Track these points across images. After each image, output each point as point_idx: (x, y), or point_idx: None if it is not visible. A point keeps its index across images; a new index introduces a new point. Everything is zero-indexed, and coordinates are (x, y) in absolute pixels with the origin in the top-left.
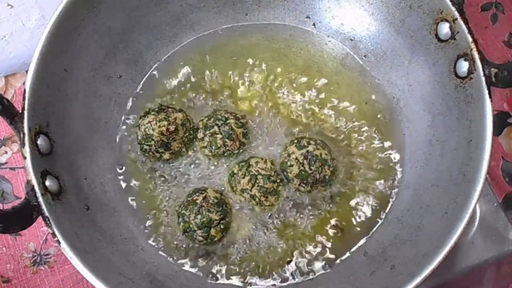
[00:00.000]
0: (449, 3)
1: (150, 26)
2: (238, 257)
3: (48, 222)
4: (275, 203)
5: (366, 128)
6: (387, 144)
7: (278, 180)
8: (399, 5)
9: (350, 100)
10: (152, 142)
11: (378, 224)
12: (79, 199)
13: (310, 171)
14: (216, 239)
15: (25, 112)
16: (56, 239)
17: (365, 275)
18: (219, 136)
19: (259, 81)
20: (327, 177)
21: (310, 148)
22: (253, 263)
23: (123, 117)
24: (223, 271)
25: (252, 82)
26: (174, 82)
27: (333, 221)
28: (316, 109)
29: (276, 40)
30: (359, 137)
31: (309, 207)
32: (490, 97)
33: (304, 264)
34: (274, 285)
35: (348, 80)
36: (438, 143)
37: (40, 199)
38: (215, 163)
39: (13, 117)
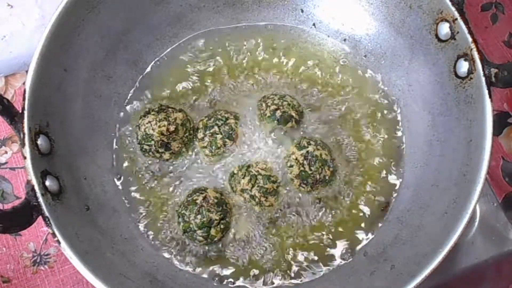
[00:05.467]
0: (449, 3)
1: (150, 26)
2: (237, 257)
3: (48, 222)
4: (275, 203)
5: (366, 128)
6: (387, 144)
7: (278, 181)
8: (399, 5)
9: (350, 100)
10: (152, 142)
11: (378, 224)
12: (79, 199)
13: (310, 172)
14: (216, 239)
15: (25, 112)
16: (56, 239)
17: (365, 275)
18: (219, 136)
19: (259, 81)
20: (327, 177)
21: (310, 148)
22: (253, 263)
23: (123, 117)
24: (223, 271)
25: (252, 82)
26: (174, 81)
27: (333, 221)
28: (317, 109)
29: (276, 40)
30: (359, 137)
31: (309, 207)
32: (490, 97)
33: (304, 264)
34: (274, 285)
35: (348, 81)
36: (438, 143)
37: (40, 199)
38: (215, 163)
39: (13, 117)
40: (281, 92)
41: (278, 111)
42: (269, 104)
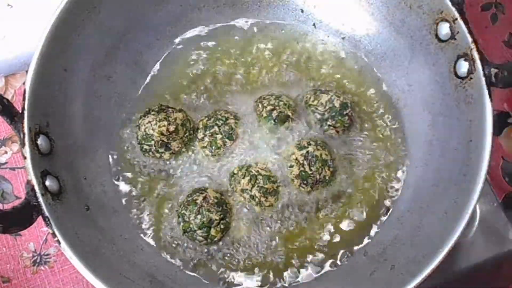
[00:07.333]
0: (449, 3)
1: (150, 26)
2: (237, 257)
3: (48, 222)
4: (275, 203)
5: (366, 128)
6: (387, 144)
7: (278, 181)
8: (399, 5)
9: (347, 99)
10: (152, 142)
11: (379, 224)
12: (79, 199)
13: (310, 172)
14: (216, 239)
15: (25, 112)
16: (56, 239)
17: (365, 275)
18: (219, 136)
19: (258, 81)
20: (327, 177)
21: (310, 148)
22: (253, 264)
23: (123, 117)
24: (223, 271)
25: (252, 82)
26: (174, 82)
27: (333, 222)
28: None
29: (276, 40)
30: (359, 138)
31: (309, 208)
32: (490, 97)
33: (304, 264)
34: (273, 285)
35: (348, 80)
36: (438, 143)
37: (40, 199)
38: (215, 163)
39: (13, 117)
40: (279, 92)
41: (275, 112)
42: (265, 104)
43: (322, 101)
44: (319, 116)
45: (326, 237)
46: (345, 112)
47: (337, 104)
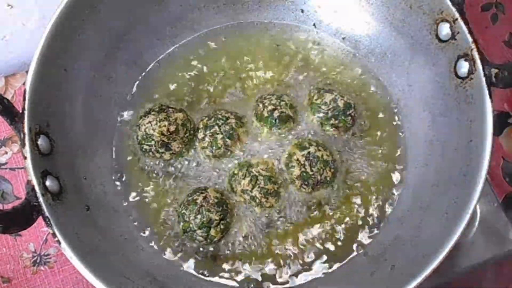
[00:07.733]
0: (449, 4)
1: (150, 26)
2: (237, 258)
3: (48, 222)
4: (276, 204)
5: (366, 128)
6: (387, 144)
7: (279, 181)
8: (399, 5)
9: (350, 100)
10: (153, 142)
11: (379, 224)
12: (80, 199)
13: (311, 172)
14: (216, 239)
15: (25, 112)
16: (56, 239)
17: (365, 275)
18: (219, 136)
19: (258, 81)
20: (328, 178)
21: (312, 149)
22: (252, 264)
23: (123, 117)
24: (223, 271)
25: (253, 82)
26: (175, 82)
27: (334, 222)
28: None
29: (276, 40)
30: (360, 138)
31: (310, 208)
32: (490, 97)
33: (305, 265)
34: (274, 285)
35: (348, 80)
36: (439, 143)
37: (41, 199)
38: (216, 163)
39: (14, 117)
40: (280, 91)
41: (276, 112)
42: (266, 104)
43: (326, 100)
44: (322, 115)
45: (327, 237)
46: (348, 112)
47: (341, 104)
